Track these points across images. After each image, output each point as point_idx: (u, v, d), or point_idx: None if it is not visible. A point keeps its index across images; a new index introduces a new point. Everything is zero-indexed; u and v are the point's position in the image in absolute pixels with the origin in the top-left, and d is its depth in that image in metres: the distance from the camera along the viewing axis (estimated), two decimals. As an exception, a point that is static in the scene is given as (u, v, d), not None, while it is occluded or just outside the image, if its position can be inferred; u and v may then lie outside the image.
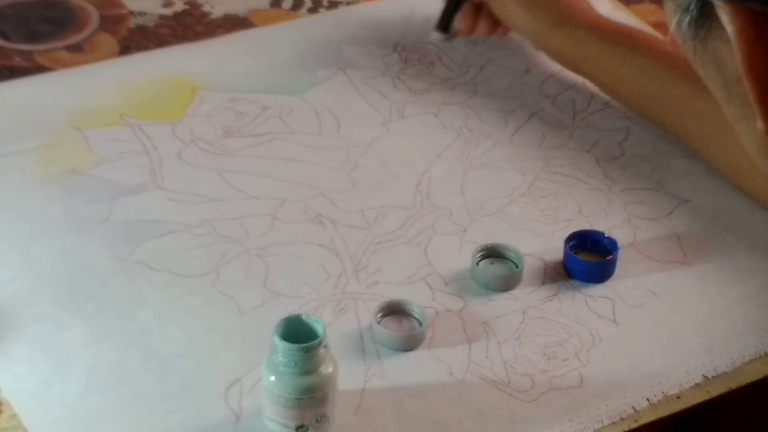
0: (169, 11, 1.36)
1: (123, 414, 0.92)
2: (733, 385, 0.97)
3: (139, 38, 1.32)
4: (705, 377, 0.97)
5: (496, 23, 1.27)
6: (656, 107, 1.16)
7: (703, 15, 0.71)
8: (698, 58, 0.74)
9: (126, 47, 1.30)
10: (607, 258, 1.05)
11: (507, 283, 1.03)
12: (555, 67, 1.28)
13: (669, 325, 1.01)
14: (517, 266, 1.04)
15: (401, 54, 1.30)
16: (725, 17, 0.69)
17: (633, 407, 0.94)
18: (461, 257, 1.06)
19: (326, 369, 0.89)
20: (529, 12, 1.21)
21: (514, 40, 1.31)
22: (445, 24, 1.29)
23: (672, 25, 0.73)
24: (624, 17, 1.39)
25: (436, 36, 1.30)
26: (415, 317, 1.00)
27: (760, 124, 0.71)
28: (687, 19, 0.72)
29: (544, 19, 1.20)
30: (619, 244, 1.06)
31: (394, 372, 0.96)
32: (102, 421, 0.91)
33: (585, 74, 1.22)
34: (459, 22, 1.28)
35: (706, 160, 1.14)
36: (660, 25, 1.38)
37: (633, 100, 1.19)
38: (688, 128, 1.14)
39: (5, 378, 0.94)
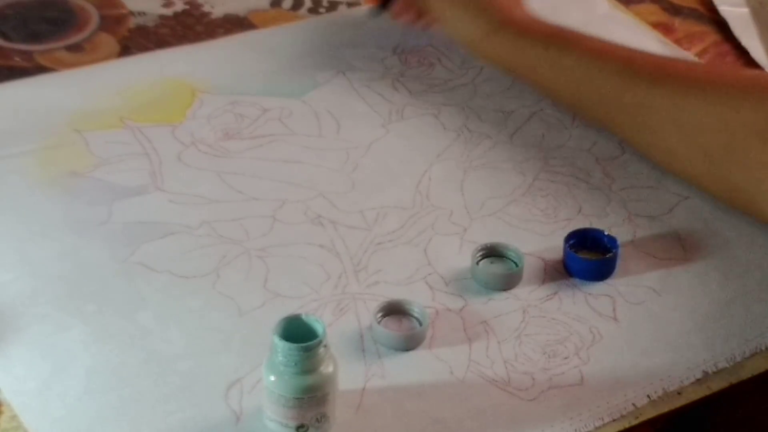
0: (169, 11, 1.37)
1: (123, 415, 0.92)
2: (734, 380, 0.97)
3: (139, 38, 1.32)
4: (705, 373, 0.97)
5: (420, 16, 1.28)
6: (589, 105, 1.14)
7: None
8: None
9: (126, 47, 1.30)
10: (607, 256, 1.05)
11: (507, 283, 1.03)
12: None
13: (669, 322, 1.01)
14: (517, 265, 1.04)
15: (401, 56, 1.30)
16: None
17: (633, 404, 0.94)
18: (461, 257, 1.06)
19: (326, 368, 0.88)
20: (462, 21, 1.20)
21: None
22: (385, 1, 1.30)
23: None
24: (623, 17, 1.39)
25: (367, 8, 1.32)
26: (415, 317, 1.00)
27: None
28: None
29: (477, 28, 1.19)
30: (619, 241, 1.06)
31: (394, 372, 0.96)
32: (102, 422, 0.91)
33: (522, 79, 1.20)
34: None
35: (641, 150, 1.13)
36: (660, 25, 1.38)
37: (567, 101, 1.17)
38: (621, 122, 1.12)
39: (5, 379, 0.94)
